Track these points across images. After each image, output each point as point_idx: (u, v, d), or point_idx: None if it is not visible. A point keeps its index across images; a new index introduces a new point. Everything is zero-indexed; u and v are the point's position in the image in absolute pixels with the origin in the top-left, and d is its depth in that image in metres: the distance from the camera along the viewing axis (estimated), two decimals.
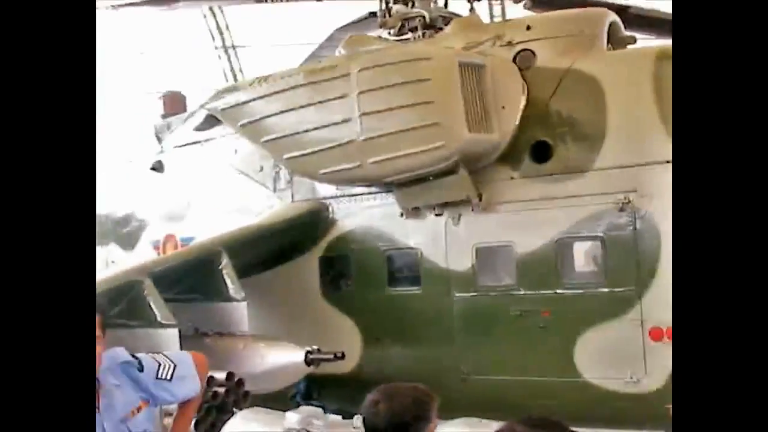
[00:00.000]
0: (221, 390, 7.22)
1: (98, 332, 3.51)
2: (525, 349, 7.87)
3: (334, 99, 8.02)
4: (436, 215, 8.29)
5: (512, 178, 7.96)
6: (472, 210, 8.04)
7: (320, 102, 8.10)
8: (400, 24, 9.41)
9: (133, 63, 20.07)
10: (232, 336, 8.16)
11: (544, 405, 7.17)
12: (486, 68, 7.82)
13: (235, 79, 21.27)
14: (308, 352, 7.67)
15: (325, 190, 9.07)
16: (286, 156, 8.46)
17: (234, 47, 21.03)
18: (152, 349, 7.76)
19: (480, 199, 7.97)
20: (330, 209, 9.01)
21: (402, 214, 8.43)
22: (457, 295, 8.21)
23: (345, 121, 7.95)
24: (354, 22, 10.64)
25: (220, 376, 7.25)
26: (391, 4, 9.59)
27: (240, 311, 8.18)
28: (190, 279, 8.40)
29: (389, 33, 9.61)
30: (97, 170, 3.69)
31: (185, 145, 10.60)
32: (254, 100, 8.60)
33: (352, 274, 8.87)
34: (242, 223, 9.45)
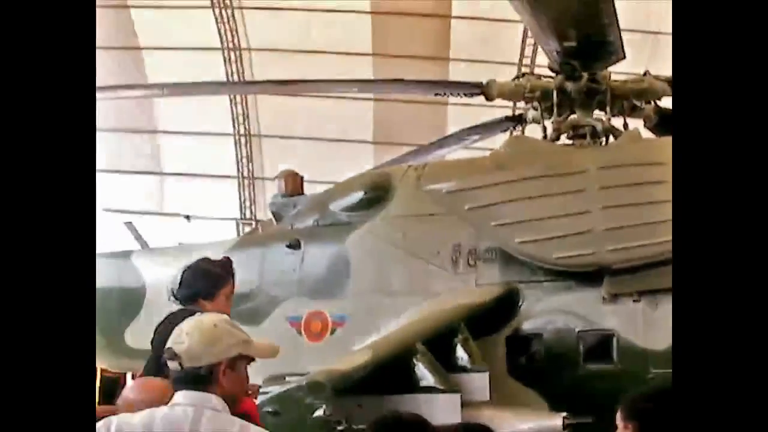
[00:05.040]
0: None
1: None
2: None
3: (574, 192, 9.09)
4: (635, 301, 9.41)
5: None
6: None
7: (558, 193, 9.12)
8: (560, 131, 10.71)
9: None
10: (473, 406, 8.60)
11: None
12: None
13: None
14: (564, 417, 8.33)
15: (512, 274, 9.86)
16: (518, 240, 9.28)
17: None
18: (431, 417, 8.11)
19: None
20: (519, 293, 9.80)
21: (604, 299, 9.44)
22: (654, 371, 9.26)
23: (585, 212, 9.00)
24: (485, 125, 11.77)
25: None
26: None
27: (482, 382, 8.68)
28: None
29: (545, 137, 10.83)
30: None
31: (332, 224, 10.94)
32: (487, 186, 9.44)
33: (544, 352, 9.64)
34: (415, 305, 9.99)
